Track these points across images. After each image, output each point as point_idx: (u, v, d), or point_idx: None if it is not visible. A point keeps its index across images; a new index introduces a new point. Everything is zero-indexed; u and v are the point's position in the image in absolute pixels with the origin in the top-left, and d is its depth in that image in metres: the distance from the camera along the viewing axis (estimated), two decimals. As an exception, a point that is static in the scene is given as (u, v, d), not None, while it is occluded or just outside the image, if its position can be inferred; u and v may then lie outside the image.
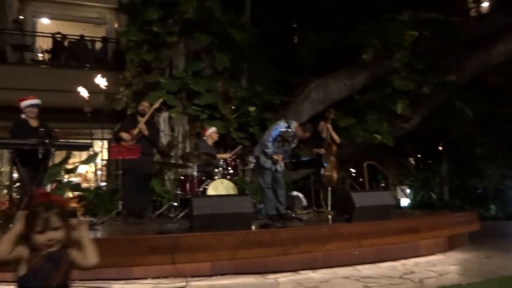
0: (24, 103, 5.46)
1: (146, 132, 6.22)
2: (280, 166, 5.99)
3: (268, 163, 5.93)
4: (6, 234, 1.68)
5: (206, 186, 6.08)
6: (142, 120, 6.30)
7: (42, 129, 4.90)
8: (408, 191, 11.28)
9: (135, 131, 6.19)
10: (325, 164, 6.87)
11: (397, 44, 8.90)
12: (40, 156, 4.78)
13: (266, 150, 5.91)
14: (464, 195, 11.83)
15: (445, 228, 5.50)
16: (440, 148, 13.28)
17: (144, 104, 6.54)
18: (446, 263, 4.82)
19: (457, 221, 5.86)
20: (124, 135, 6.19)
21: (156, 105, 6.68)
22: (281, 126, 5.93)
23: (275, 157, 5.84)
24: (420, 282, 3.91)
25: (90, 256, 1.80)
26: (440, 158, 13.08)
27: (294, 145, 6.22)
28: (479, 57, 9.65)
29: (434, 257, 5.20)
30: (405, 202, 10.64)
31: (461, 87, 9.78)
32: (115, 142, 6.37)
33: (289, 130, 5.63)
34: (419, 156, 14.40)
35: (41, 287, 1.67)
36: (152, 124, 6.66)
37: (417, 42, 8.96)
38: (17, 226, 1.71)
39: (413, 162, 13.92)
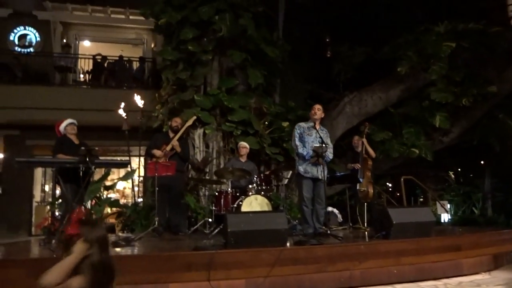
0: (62, 125, 5.74)
1: (178, 149, 6.32)
2: (321, 173, 5.49)
3: (306, 169, 5.54)
4: (61, 263, 1.72)
5: (240, 202, 6.09)
6: (175, 137, 6.41)
7: (83, 148, 5.09)
8: (448, 206, 10.88)
9: (168, 148, 6.29)
10: (361, 179, 6.75)
11: (434, 55, 8.69)
12: (81, 173, 4.96)
13: (298, 152, 5.62)
14: (509, 210, 11.27)
15: (489, 246, 5.25)
16: (482, 162, 12.78)
17: (177, 121, 6.67)
18: (491, 283, 4.59)
19: (502, 238, 5.58)
20: (157, 152, 6.31)
21: (190, 122, 6.80)
22: (299, 126, 5.79)
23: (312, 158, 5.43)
24: (463, 303, 3.74)
25: None
26: (482, 172, 12.57)
27: None
28: (521, 67, 9.29)
29: (478, 276, 4.97)
30: (445, 217, 10.27)
31: (503, 98, 9.42)
32: (147, 159, 6.51)
33: (323, 145, 5.46)
34: (459, 170, 13.91)
35: None
36: (184, 140, 6.76)
37: (455, 53, 8.72)
38: (75, 257, 1.76)
39: (453, 176, 13.45)
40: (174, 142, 6.33)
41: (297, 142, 5.69)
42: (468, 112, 9.37)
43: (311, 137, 5.64)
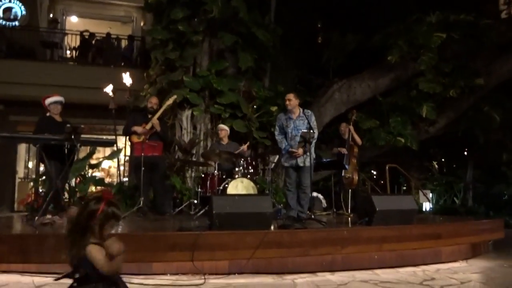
0: (48, 100, 5.62)
1: (158, 128, 6.23)
2: (303, 161, 5.45)
3: (286, 159, 5.56)
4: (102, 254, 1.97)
5: (226, 185, 6.11)
6: (155, 116, 6.30)
7: (68, 125, 5.02)
8: (430, 195, 11.07)
9: (148, 126, 6.21)
10: (347, 166, 6.82)
11: (424, 46, 8.73)
12: (66, 151, 4.90)
13: (280, 146, 5.61)
14: (489, 201, 11.52)
15: (468, 235, 5.38)
16: (466, 153, 12.99)
17: (152, 101, 6.54)
18: (468, 271, 4.71)
19: (481, 228, 5.72)
20: (138, 129, 6.20)
21: (170, 101, 6.66)
22: (278, 118, 5.74)
23: (291, 150, 5.44)
24: (440, 289, 3.83)
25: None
26: (465, 163, 12.79)
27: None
28: (509, 60, 9.38)
29: (456, 264, 5.09)
30: (427, 206, 10.45)
31: (489, 91, 9.53)
32: (125, 136, 6.39)
33: (311, 131, 5.43)
34: (443, 160, 14.12)
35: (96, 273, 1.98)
36: (163, 121, 6.65)
37: (445, 44, 8.77)
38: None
39: (436, 166, 13.66)
40: (154, 121, 6.20)
41: (277, 136, 5.69)
42: (454, 104, 9.48)
43: (289, 128, 5.58)
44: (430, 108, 8.96)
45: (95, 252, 1.97)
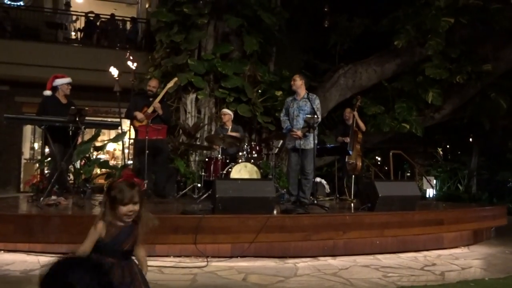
0: (60, 80, 5.57)
1: (160, 111, 6.22)
2: (303, 145, 5.49)
3: (289, 141, 5.65)
4: (88, 239, 2.06)
5: (229, 169, 6.13)
6: (156, 99, 6.27)
7: (73, 107, 5.03)
8: (434, 182, 11.07)
9: (149, 110, 6.19)
10: (350, 152, 6.81)
11: (432, 31, 8.60)
12: (70, 133, 4.93)
13: (283, 127, 5.67)
14: (493, 188, 11.51)
15: (470, 222, 5.40)
16: (471, 139, 12.93)
17: (151, 84, 6.49)
18: (469, 257, 4.74)
19: (483, 215, 5.74)
20: (139, 114, 6.18)
21: (171, 84, 6.62)
22: (286, 101, 5.82)
23: (291, 131, 5.50)
24: (441, 274, 3.86)
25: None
26: (470, 150, 12.75)
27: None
28: (518, 46, 9.25)
29: (458, 250, 5.12)
30: (430, 193, 10.46)
31: (496, 77, 9.43)
32: (128, 119, 6.39)
33: (315, 116, 5.43)
34: (448, 146, 14.07)
35: (116, 250, 2.04)
36: (164, 103, 6.61)
37: (452, 29, 8.64)
38: (95, 236, 2.05)
39: (441, 152, 13.62)
40: (156, 104, 6.17)
41: (282, 117, 5.78)
42: (461, 90, 9.40)
43: (292, 108, 5.66)
44: (436, 94, 8.88)
45: (90, 231, 2.05)
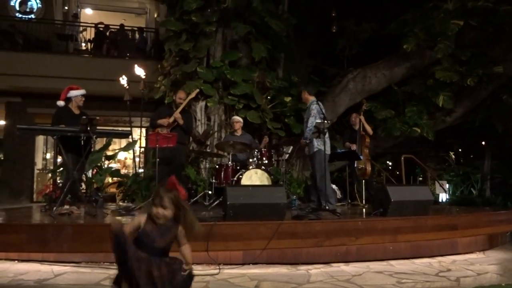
0: (75, 92, 5.63)
1: (181, 122, 6.28)
2: (308, 150, 5.75)
3: (321, 144, 5.59)
4: (131, 223, 2.29)
5: (240, 176, 6.13)
6: (177, 110, 6.37)
7: (84, 117, 5.08)
8: (447, 186, 10.93)
9: (170, 120, 6.27)
10: (361, 157, 6.77)
11: (441, 33, 8.54)
12: (82, 142, 4.97)
13: (316, 124, 5.51)
14: (507, 192, 11.33)
15: (485, 226, 5.31)
16: (483, 142, 12.76)
17: (181, 96, 6.59)
18: (485, 262, 4.66)
19: (498, 219, 5.63)
20: (162, 121, 6.28)
21: (193, 95, 6.74)
22: (314, 101, 5.81)
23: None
24: (456, 280, 3.80)
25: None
26: (483, 153, 12.58)
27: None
28: (529, 48, 9.14)
29: (473, 255, 5.04)
30: (443, 197, 10.34)
31: (508, 79, 9.32)
32: (152, 129, 6.49)
33: (325, 121, 5.43)
34: (460, 150, 13.91)
35: (149, 246, 2.22)
36: (187, 113, 6.71)
37: (462, 31, 8.57)
38: (136, 221, 2.30)
39: (453, 156, 13.47)
40: (177, 115, 6.29)
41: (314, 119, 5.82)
42: (472, 92, 9.29)
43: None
44: (447, 97, 8.80)
45: (135, 217, 2.38)
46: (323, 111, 5.62)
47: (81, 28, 12.43)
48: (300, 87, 8.78)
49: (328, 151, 5.68)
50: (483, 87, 9.11)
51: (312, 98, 5.87)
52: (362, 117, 6.87)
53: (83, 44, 12.72)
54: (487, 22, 8.79)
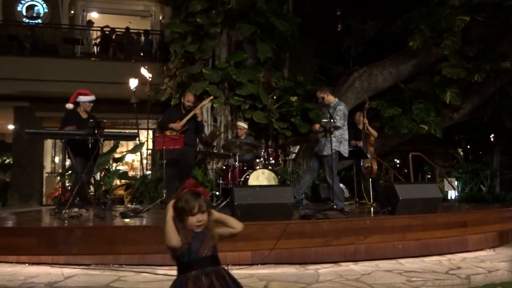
0: (83, 98, 5.69)
1: (200, 118, 6.37)
2: (321, 151, 5.76)
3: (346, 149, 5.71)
4: (167, 227, 2.08)
5: (247, 176, 6.13)
6: (197, 107, 6.42)
7: (91, 120, 5.12)
8: (456, 183, 10.85)
9: (182, 122, 6.29)
10: (369, 156, 6.74)
11: (447, 30, 8.48)
12: (90, 145, 5.01)
13: (323, 124, 5.55)
14: (517, 188, 11.24)
15: (495, 223, 5.25)
16: (492, 138, 12.66)
17: (190, 100, 6.59)
18: (495, 260, 4.61)
19: (508, 215, 5.57)
20: (174, 125, 6.30)
21: (206, 102, 6.80)
22: (339, 102, 5.82)
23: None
24: (467, 278, 3.77)
25: (234, 224, 2.20)
26: (492, 149, 12.47)
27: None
28: (537, 42, 9.06)
29: (483, 252, 5.00)
30: (452, 194, 10.26)
31: (516, 74, 9.24)
32: (160, 132, 6.52)
33: (331, 121, 5.42)
34: (468, 147, 13.81)
35: (194, 258, 2.04)
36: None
37: (468, 27, 8.51)
38: (170, 216, 2.09)
39: (461, 153, 13.37)
40: (197, 110, 6.36)
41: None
42: (480, 88, 9.23)
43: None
44: (454, 93, 8.74)
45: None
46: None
47: (93, 35, 12.51)
48: (316, 88, 8.78)
49: (345, 153, 5.71)
50: (491, 82, 9.05)
51: (335, 99, 5.86)
52: (366, 120, 6.86)
53: (95, 48, 12.81)
54: (493, 17, 8.72)
